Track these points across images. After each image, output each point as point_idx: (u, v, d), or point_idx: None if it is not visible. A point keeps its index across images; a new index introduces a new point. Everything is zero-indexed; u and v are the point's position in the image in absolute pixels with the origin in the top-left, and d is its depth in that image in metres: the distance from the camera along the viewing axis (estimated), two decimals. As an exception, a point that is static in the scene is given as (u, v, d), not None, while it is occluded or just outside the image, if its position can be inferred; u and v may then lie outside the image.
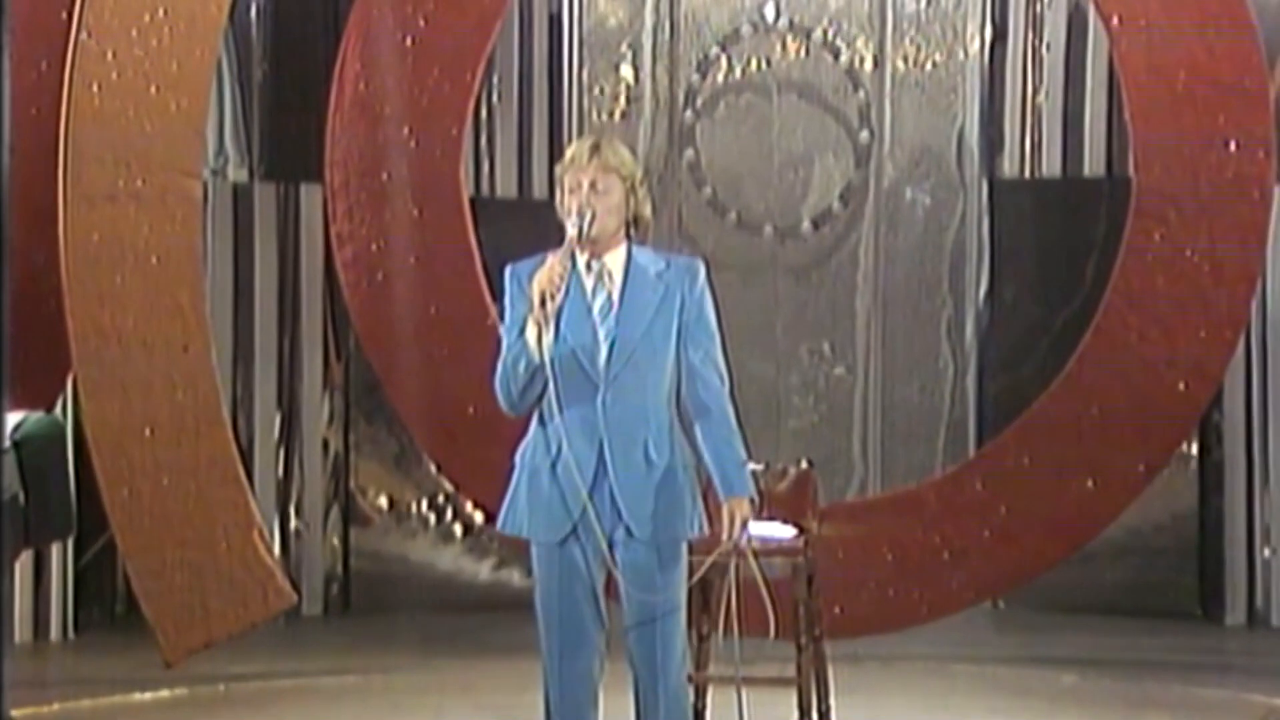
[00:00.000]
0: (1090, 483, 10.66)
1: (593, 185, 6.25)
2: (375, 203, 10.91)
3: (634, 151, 6.92)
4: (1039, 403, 10.96)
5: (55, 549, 11.87)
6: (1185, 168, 10.66)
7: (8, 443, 3.98)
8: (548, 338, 6.14)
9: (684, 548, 6.40)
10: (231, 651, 10.57)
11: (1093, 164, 12.66)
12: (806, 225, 12.94)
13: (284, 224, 12.72)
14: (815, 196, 12.96)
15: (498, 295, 11.22)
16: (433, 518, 12.94)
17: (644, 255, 6.37)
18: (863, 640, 10.57)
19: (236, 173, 12.88)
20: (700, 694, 7.93)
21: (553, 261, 6.18)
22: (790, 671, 7.81)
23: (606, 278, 6.29)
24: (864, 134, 12.94)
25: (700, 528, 6.42)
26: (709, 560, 6.66)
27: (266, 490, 12.67)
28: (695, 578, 6.64)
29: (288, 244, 12.72)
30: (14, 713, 9.43)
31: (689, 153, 12.98)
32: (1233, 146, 10.62)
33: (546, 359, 6.14)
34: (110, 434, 10.52)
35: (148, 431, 10.47)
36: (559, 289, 6.17)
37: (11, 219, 10.56)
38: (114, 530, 10.68)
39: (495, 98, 12.82)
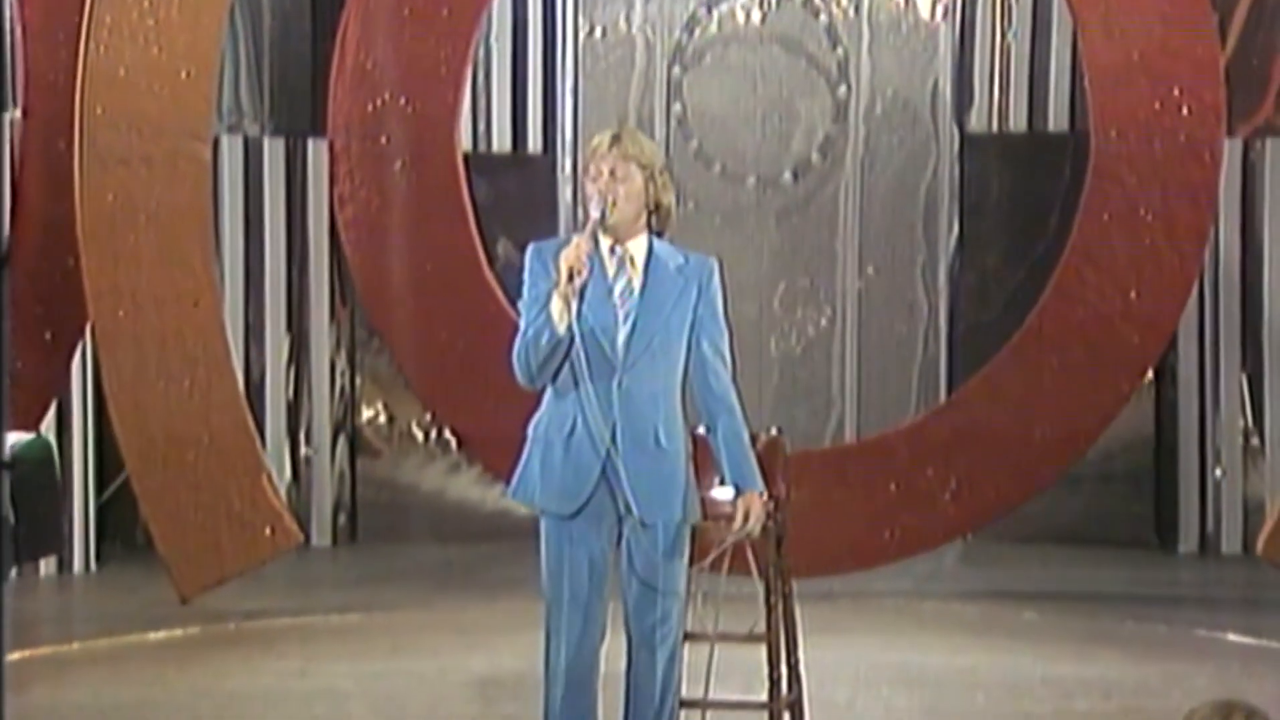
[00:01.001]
0: (1049, 430, 10.69)
1: (613, 173, 6.09)
2: (374, 165, 10.92)
3: (652, 141, 6.78)
4: (1001, 355, 10.98)
5: (77, 485, 11.90)
6: (1140, 132, 10.66)
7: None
8: (571, 313, 6.05)
9: (687, 534, 6.31)
10: (244, 586, 10.62)
11: (1057, 119, 12.64)
12: (787, 176, 12.90)
13: (292, 176, 12.69)
14: (796, 148, 12.91)
15: (488, 248, 11.35)
16: (439, 449, 12.95)
17: (664, 248, 6.25)
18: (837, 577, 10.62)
19: (249, 127, 12.85)
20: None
21: (579, 240, 6.06)
22: (761, 628, 7.73)
23: (629, 263, 6.18)
24: (842, 88, 12.89)
25: (698, 515, 6.35)
26: (724, 545, 6.55)
27: (277, 421, 12.75)
28: (707, 561, 6.57)
29: (296, 195, 12.69)
30: (36, 651, 9.48)
31: (677, 106, 12.93)
32: (1185, 111, 10.61)
33: (572, 332, 6.05)
34: (126, 385, 10.56)
35: (161, 383, 10.51)
36: (585, 266, 6.04)
37: (26, 201, 10.59)
38: (130, 475, 10.72)
39: (492, 42, 12.78)
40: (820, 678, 8.38)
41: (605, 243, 6.16)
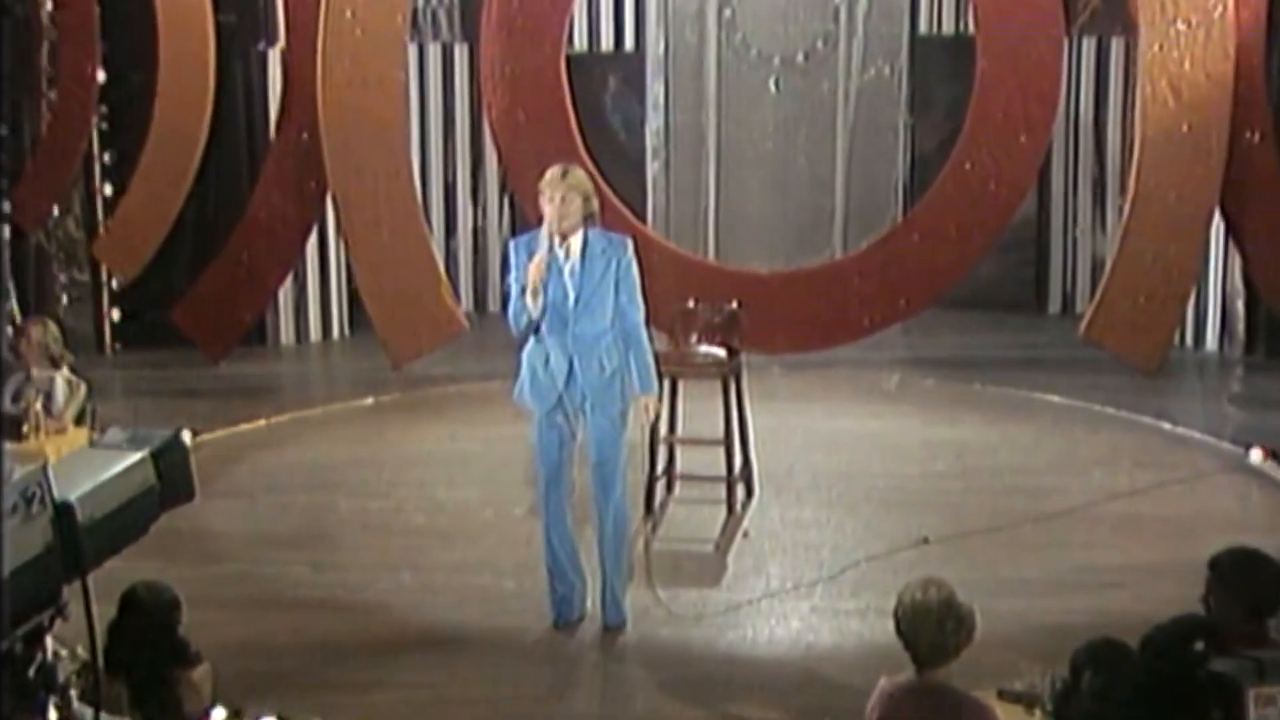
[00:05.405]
0: (948, 254, 10.58)
1: (564, 199, 6.26)
2: (509, 82, 10.86)
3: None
4: (918, 205, 10.98)
5: (334, 276, 12.21)
6: (1009, 58, 10.42)
7: (144, 453, 4.28)
8: (540, 301, 6.26)
9: (628, 415, 6.47)
10: (440, 354, 10.78)
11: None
12: (800, 56, 12.84)
13: (474, 67, 12.67)
14: (806, 37, 12.84)
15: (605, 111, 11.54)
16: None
17: (595, 235, 6.36)
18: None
19: (444, 36, 12.88)
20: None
21: (540, 256, 6.23)
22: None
23: (571, 252, 6.31)
24: (836, -2, 12.84)
25: (631, 399, 6.50)
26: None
27: (466, 208, 12.98)
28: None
29: (477, 78, 12.64)
30: (298, 414, 9.72)
31: (727, 11, 12.88)
32: (1038, 42, 10.37)
33: (540, 313, 6.29)
34: (355, 226, 10.86)
35: (374, 226, 10.76)
36: (546, 274, 6.25)
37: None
38: (358, 284, 11.03)
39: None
40: (773, 448, 8.53)
41: (556, 240, 6.29)
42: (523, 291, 6.28)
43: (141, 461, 4.50)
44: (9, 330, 9.71)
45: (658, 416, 6.72)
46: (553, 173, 6.35)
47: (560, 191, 6.27)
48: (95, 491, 4.22)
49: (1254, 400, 10.13)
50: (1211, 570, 4.70)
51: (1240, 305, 11.22)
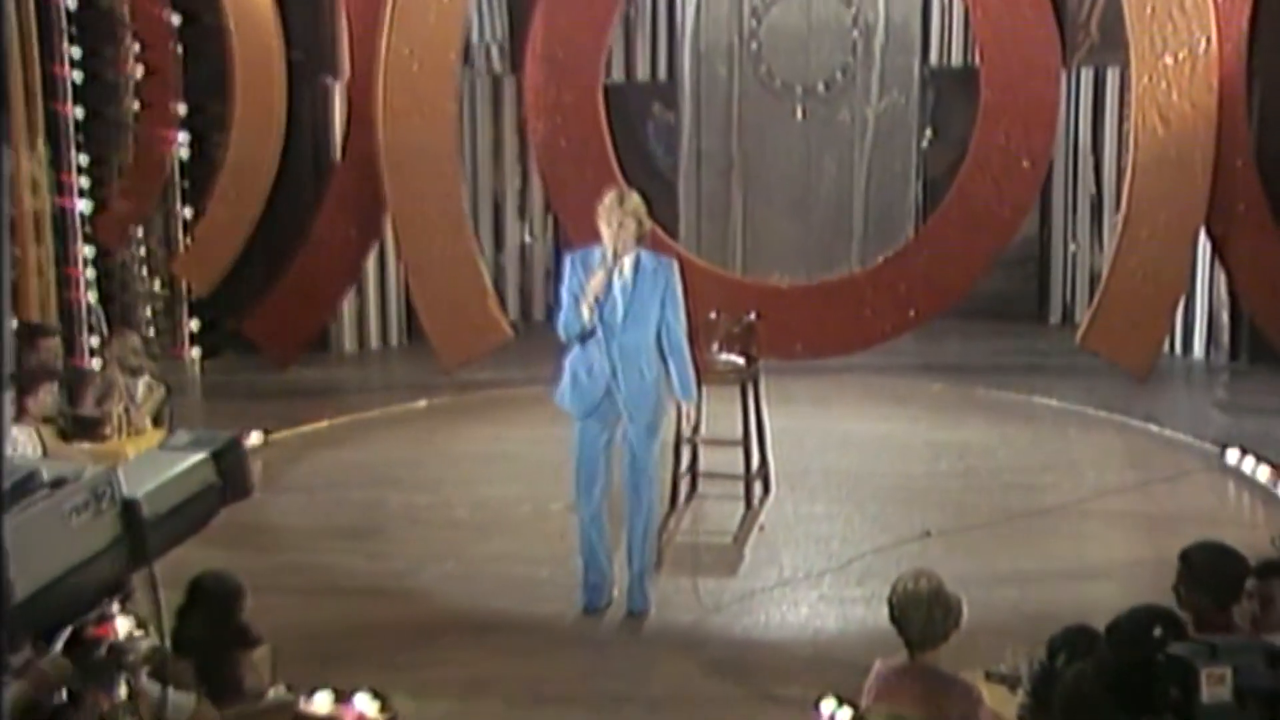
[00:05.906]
0: (953, 271, 10.61)
1: (621, 224, 6.27)
2: (551, 110, 10.95)
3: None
4: (926, 225, 11.00)
5: (392, 287, 12.28)
6: (1011, 90, 10.43)
7: (205, 454, 4.32)
8: (594, 314, 6.28)
9: (663, 423, 6.53)
10: (490, 360, 10.74)
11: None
12: (821, 86, 12.87)
13: (521, 97, 12.75)
14: (826, 69, 12.86)
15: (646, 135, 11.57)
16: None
17: (645, 256, 6.38)
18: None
19: (494, 69, 12.95)
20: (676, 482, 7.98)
21: (600, 274, 6.25)
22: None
23: (625, 269, 6.33)
24: (855, 32, 12.80)
25: (665, 412, 6.57)
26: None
27: (514, 224, 13.00)
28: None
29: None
30: (356, 416, 9.78)
31: (753, 44, 12.92)
32: (1037, 77, 10.39)
33: (591, 324, 6.31)
34: (411, 243, 10.91)
35: (426, 244, 10.82)
36: (603, 290, 6.28)
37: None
38: (413, 296, 11.11)
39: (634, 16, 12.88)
40: (789, 448, 8.51)
41: (611, 258, 6.32)
42: (575, 301, 6.31)
43: (202, 461, 4.58)
44: (95, 341, 9.85)
45: (689, 419, 6.75)
46: (611, 199, 6.34)
47: (618, 217, 6.27)
48: (159, 489, 4.31)
49: (1237, 405, 10.10)
50: (1182, 562, 4.74)
51: (1225, 316, 11.21)
